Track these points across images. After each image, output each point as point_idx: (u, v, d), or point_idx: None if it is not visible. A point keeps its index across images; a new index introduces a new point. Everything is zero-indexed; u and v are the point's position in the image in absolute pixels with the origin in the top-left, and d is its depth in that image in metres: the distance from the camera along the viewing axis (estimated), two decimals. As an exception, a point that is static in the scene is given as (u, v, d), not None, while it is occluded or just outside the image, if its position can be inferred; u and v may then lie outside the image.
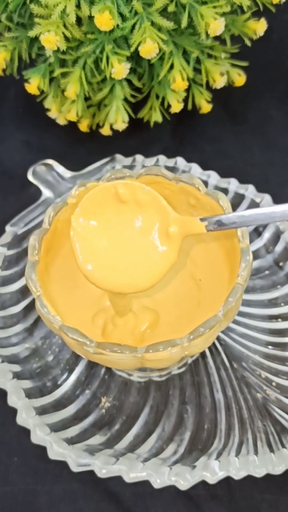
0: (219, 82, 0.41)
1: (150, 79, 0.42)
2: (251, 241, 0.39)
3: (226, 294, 0.28)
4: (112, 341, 0.29)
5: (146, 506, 0.31)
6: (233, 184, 0.41)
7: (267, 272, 0.38)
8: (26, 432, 0.32)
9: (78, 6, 0.34)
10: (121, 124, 0.41)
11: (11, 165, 0.47)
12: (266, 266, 0.39)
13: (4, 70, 0.41)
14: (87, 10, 0.34)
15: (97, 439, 0.32)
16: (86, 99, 0.42)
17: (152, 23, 0.35)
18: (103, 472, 0.30)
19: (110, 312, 0.32)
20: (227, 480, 0.30)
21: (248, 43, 0.40)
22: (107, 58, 0.36)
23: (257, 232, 0.40)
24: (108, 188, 0.27)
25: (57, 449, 0.30)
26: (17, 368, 0.34)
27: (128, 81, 0.40)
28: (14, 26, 0.39)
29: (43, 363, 0.35)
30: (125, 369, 0.34)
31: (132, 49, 0.35)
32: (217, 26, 0.35)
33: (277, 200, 0.40)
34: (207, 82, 0.42)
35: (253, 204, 0.40)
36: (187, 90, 0.42)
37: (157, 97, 0.43)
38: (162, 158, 0.43)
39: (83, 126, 0.45)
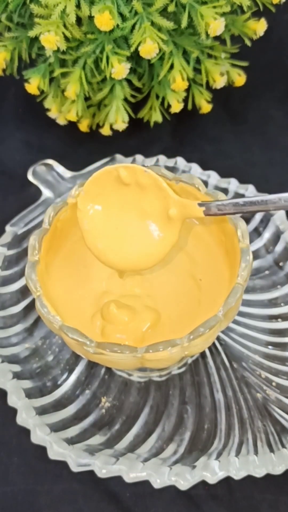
0: (219, 82, 0.41)
1: (150, 79, 0.42)
2: (251, 241, 0.39)
3: (226, 294, 0.28)
4: (112, 341, 0.29)
5: (146, 506, 0.31)
6: (233, 184, 0.41)
7: (267, 272, 0.38)
8: (26, 432, 0.32)
9: (78, 6, 0.34)
10: (121, 124, 0.41)
11: (11, 165, 0.47)
12: (266, 266, 0.39)
13: (4, 70, 0.41)
14: (87, 10, 0.34)
15: (97, 439, 0.32)
16: (86, 99, 0.42)
17: (152, 23, 0.35)
18: (103, 472, 0.30)
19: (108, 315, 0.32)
20: (227, 480, 0.30)
21: (248, 43, 0.40)
22: (107, 58, 0.36)
23: (257, 232, 0.40)
24: (110, 171, 0.27)
25: (57, 449, 0.30)
26: (17, 368, 0.34)
27: (128, 81, 0.40)
28: (14, 26, 0.39)
29: (43, 363, 0.35)
30: (125, 369, 0.34)
31: (132, 49, 0.35)
32: (217, 26, 0.35)
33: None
34: (207, 82, 0.42)
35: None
36: (187, 90, 0.42)
37: (157, 97, 0.43)
38: (162, 158, 0.43)
39: (83, 126, 0.45)
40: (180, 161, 0.43)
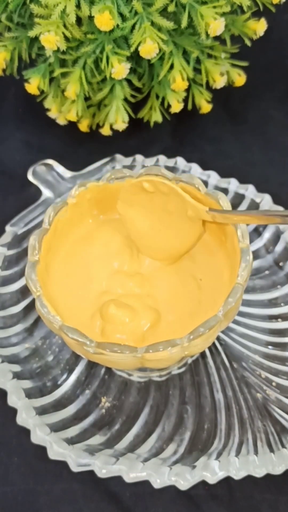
0: (219, 82, 0.41)
1: (150, 79, 0.42)
2: (251, 241, 0.39)
3: (226, 294, 0.28)
4: (112, 341, 0.29)
5: (146, 506, 0.31)
6: (233, 184, 0.41)
7: (267, 272, 0.38)
8: (26, 432, 0.32)
9: (78, 6, 0.34)
10: (121, 124, 0.41)
11: (11, 165, 0.47)
12: (266, 266, 0.39)
13: (4, 70, 0.41)
14: (87, 10, 0.34)
15: (97, 439, 0.32)
16: (86, 99, 0.42)
17: (152, 23, 0.35)
18: (103, 472, 0.30)
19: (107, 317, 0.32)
20: (227, 480, 0.30)
21: (248, 43, 0.40)
22: (107, 58, 0.36)
23: (257, 232, 0.40)
24: (136, 184, 0.32)
25: (57, 449, 0.30)
26: (17, 368, 0.34)
27: (128, 81, 0.40)
28: (14, 26, 0.39)
29: (43, 363, 0.35)
30: (125, 369, 0.34)
31: (132, 49, 0.35)
32: (217, 26, 0.35)
33: (277, 200, 0.40)
34: (207, 82, 0.42)
35: (253, 204, 0.40)
36: (187, 90, 0.42)
37: (157, 97, 0.43)
38: (162, 158, 0.43)
39: (83, 126, 0.45)
40: (180, 161, 0.43)
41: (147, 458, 0.31)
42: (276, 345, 0.35)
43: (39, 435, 0.31)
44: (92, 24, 0.34)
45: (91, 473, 0.30)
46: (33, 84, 0.40)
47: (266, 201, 0.40)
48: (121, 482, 0.30)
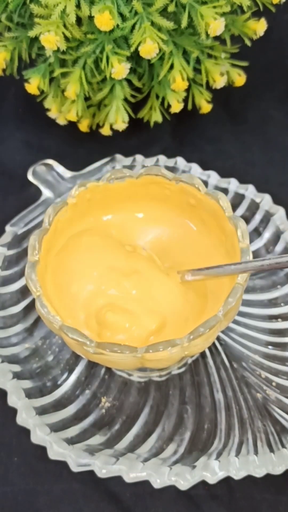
0: (219, 82, 0.41)
1: (150, 79, 0.42)
2: (251, 241, 0.39)
3: (226, 294, 0.28)
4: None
5: (146, 506, 0.31)
6: (233, 184, 0.41)
7: (267, 272, 0.38)
8: (26, 432, 0.32)
9: (78, 6, 0.34)
10: (121, 124, 0.41)
11: (11, 165, 0.46)
12: (266, 266, 0.39)
13: (4, 70, 0.41)
14: (87, 10, 0.34)
15: (97, 439, 0.32)
16: (86, 99, 0.42)
17: (152, 23, 0.35)
18: (103, 472, 0.30)
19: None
20: (227, 480, 0.30)
21: (248, 43, 0.40)
22: (107, 58, 0.36)
23: (257, 232, 0.40)
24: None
25: (57, 449, 0.30)
26: (17, 368, 0.34)
27: (128, 81, 0.40)
28: (14, 26, 0.39)
29: (43, 363, 0.35)
30: (125, 369, 0.34)
31: (132, 49, 0.35)
32: (217, 26, 0.35)
33: (277, 200, 0.40)
34: (207, 82, 0.42)
35: (253, 204, 0.40)
36: (187, 90, 0.41)
37: (157, 97, 0.43)
38: (162, 158, 0.43)
39: (83, 126, 0.45)
40: (180, 161, 0.43)
41: (147, 458, 0.31)
42: (276, 345, 0.35)
43: (39, 435, 0.31)
44: (92, 24, 0.34)
45: (91, 473, 0.30)
46: (33, 84, 0.40)
47: (266, 201, 0.40)
48: (121, 482, 0.30)
